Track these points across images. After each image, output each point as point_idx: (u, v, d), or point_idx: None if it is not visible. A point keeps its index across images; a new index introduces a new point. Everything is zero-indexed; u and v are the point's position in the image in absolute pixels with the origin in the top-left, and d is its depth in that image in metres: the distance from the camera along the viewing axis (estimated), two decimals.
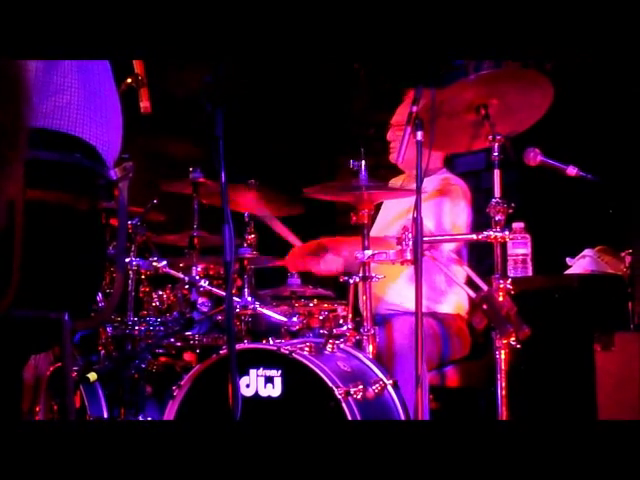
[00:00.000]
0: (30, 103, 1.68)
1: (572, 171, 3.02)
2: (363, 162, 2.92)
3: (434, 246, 3.13)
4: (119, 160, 1.94)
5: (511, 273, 3.31)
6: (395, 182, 3.68)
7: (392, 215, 3.39)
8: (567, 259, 3.42)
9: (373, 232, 3.27)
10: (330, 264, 3.38)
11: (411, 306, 2.53)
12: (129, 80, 2.74)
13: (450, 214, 3.37)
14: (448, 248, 3.32)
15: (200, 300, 3.33)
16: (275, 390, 2.60)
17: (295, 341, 2.88)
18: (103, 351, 3.29)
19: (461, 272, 3.27)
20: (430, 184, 3.25)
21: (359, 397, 2.53)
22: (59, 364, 2.94)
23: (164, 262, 3.42)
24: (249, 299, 3.21)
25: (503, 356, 2.55)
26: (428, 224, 3.20)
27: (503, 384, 2.54)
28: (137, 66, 2.66)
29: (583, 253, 3.38)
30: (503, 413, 2.53)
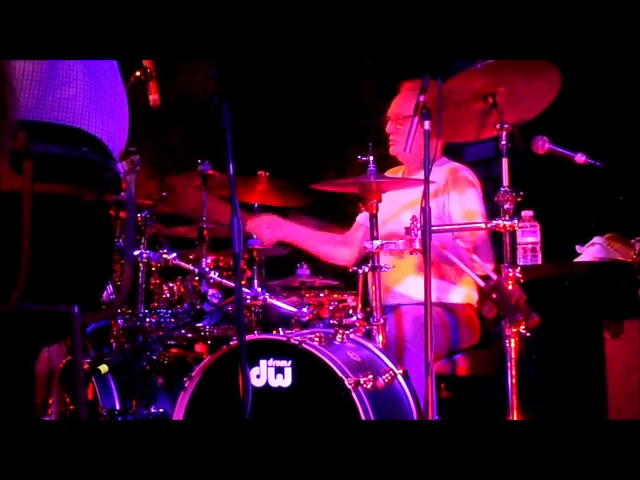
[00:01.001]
0: (14, 95, 1.67)
1: (580, 158, 3.01)
2: (371, 157, 2.93)
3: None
4: (126, 153, 1.94)
5: (520, 261, 3.30)
6: (395, 174, 3.65)
7: (399, 205, 3.38)
8: (577, 247, 3.41)
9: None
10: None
11: (420, 297, 2.53)
12: (138, 73, 2.75)
13: (463, 203, 3.37)
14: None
15: (210, 291, 3.34)
16: (285, 380, 2.61)
17: (305, 331, 2.89)
18: (115, 343, 3.31)
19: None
20: (437, 175, 3.23)
21: (369, 387, 2.54)
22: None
23: (174, 254, 3.43)
24: (259, 290, 3.22)
25: (513, 344, 2.56)
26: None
27: (513, 372, 2.55)
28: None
29: (593, 241, 3.36)
30: (513, 402, 2.54)
